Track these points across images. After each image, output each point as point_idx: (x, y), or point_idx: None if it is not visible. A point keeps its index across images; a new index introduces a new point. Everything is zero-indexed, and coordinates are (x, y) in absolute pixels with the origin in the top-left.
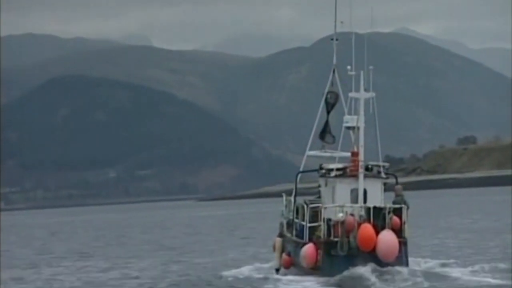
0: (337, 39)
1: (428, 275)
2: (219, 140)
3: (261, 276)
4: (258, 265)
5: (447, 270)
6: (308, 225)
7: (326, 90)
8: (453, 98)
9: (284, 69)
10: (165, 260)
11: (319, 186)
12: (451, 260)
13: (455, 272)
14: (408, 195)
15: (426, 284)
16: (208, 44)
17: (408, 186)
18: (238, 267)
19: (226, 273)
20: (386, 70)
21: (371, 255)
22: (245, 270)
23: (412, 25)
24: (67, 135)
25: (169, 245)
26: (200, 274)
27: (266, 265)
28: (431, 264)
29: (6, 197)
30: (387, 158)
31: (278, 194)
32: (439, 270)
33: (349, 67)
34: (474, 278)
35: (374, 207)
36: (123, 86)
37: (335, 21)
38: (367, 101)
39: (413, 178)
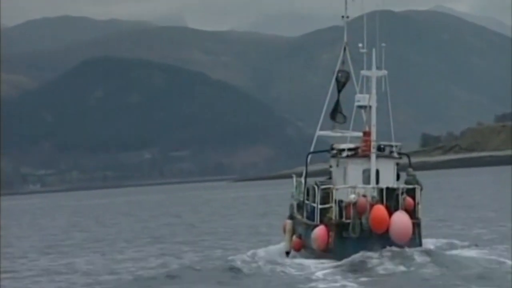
0: (347, 17)
1: (440, 256)
2: (253, 120)
3: (269, 259)
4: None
5: (459, 251)
6: (319, 206)
7: (337, 69)
8: (490, 75)
9: (319, 48)
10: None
11: (330, 166)
12: (465, 242)
13: (466, 252)
14: (446, 173)
15: (437, 265)
16: (242, 24)
17: (446, 164)
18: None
19: (233, 257)
20: (423, 48)
21: (384, 237)
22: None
23: (449, 3)
24: (102, 117)
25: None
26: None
27: (274, 247)
28: (444, 245)
29: (42, 179)
30: (424, 136)
31: (313, 174)
32: (451, 251)
33: (360, 44)
34: (487, 257)
35: (387, 188)
36: (158, 68)
37: None
38: (379, 79)
39: (451, 156)
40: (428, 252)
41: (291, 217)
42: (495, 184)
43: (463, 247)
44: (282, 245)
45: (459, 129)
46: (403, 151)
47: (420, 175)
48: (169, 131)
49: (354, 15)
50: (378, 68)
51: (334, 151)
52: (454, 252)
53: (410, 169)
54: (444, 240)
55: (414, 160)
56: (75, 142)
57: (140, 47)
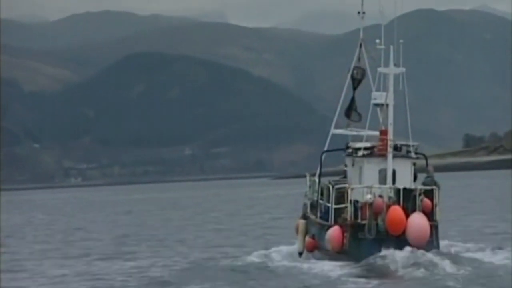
0: (363, 12)
1: (458, 259)
2: (294, 117)
3: (280, 260)
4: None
5: (477, 254)
6: (334, 206)
7: (352, 66)
8: None
9: (365, 46)
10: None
11: (345, 166)
12: (482, 244)
13: (483, 256)
14: (490, 174)
15: (454, 268)
16: (284, 21)
17: (490, 165)
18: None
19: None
20: (465, 47)
21: (401, 239)
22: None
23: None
24: (143, 112)
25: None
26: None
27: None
28: (462, 248)
29: (83, 173)
30: (467, 137)
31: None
32: (469, 254)
33: (378, 40)
34: (503, 262)
35: (404, 189)
36: (199, 63)
37: None
38: (396, 77)
39: (495, 157)
40: (446, 255)
41: (304, 217)
42: None
43: (478, 249)
44: (295, 246)
45: (502, 130)
46: (419, 150)
47: (463, 176)
48: (210, 127)
49: (392, 15)
50: (396, 65)
51: (350, 150)
52: (472, 255)
53: (430, 169)
54: (462, 244)
55: (458, 160)
56: (116, 137)
57: (182, 42)
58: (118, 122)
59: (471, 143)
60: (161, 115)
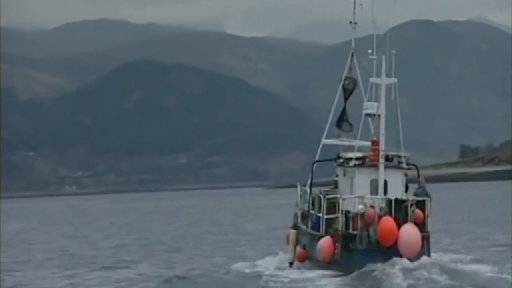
0: (355, 23)
1: (448, 271)
2: (290, 127)
3: (272, 270)
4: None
5: (472, 266)
6: (325, 217)
7: (344, 76)
8: None
9: (357, 56)
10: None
11: (336, 176)
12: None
13: (474, 268)
14: (485, 185)
15: (445, 280)
16: (281, 31)
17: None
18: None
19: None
20: (461, 58)
21: (392, 250)
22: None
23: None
24: (139, 120)
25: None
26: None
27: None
28: (453, 259)
29: (78, 181)
30: (463, 148)
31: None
32: (462, 266)
33: (370, 50)
34: (493, 275)
35: (396, 199)
36: (195, 72)
37: (354, 4)
38: (388, 87)
39: (491, 168)
40: (436, 266)
41: (295, 226)
42: None
43: (472, 261)
44: (285, 256)
45: (498, 141)
46: (411, 161)
47: (459, 186)
48: (206, 136)
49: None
50: (388, 75)
51: (341, 160)
52: (463, 267)
53: (421, 180)
54: (454, 255)
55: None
56: (112, 145)
57: (178, 51)
58: (113, 131)
59: (467, 154)
60: (157, 124)
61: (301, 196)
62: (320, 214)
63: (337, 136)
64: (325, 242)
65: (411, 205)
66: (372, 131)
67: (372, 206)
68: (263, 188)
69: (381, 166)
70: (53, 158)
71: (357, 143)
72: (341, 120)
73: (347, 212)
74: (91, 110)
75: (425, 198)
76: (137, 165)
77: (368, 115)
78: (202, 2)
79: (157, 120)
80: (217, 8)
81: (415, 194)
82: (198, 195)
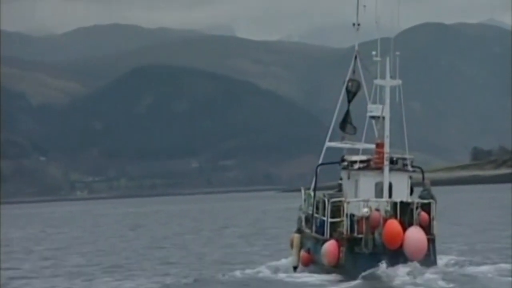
0: (359, 24)
1: (455, 275)
2: (302, 130)
3: (275, 274)
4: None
5: (474, 268)
6: (330, 220)
7: (347, 78)
8: None
9: (368, 59)
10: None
11: (341, 179)
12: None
13: (481, 271)
14: (498, 188)
15: (451, 284)
16: (293, 34)
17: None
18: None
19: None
20: (473, 60)
21: (398, 253)
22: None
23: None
24: (150, 125)
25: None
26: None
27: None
28: (458, 262)
29: (90, 186)
30: (475, 150)
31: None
32: (470, 269)
33: (374, 52)
34: (500, 278)
35: (401, 202)
36: (207, 76)
37: (358, 6)
38: (393, 89)
39: (503, 171)
40: (442, 270)
41: (299, 230)
42: None
43: (479, 264)
44: (289, 260)
45: (511, 143)
46: (420, 164)
47: (471, 189)
48: (217, 140)
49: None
50: (392, 77)
51: (345, 163)
52: (470, 269)
53: (427, 182)
54: (459, 258)
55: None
56: (124, 150)
57: (189, 55)
58: (125, 135)
59: (479, 156)
60: (168, 128)
61: (305, 200)
62: (325, 218)
63: (341, 139)
64: (330, 246)
65: (417, 208)
66: (376, 133)
67: (377, 209)
68: (276, 192)
69: (386, 169)
70: (65, 162)
71: (361, 145)
72: (345, 123)
73: (352, 215)
74: (102, 115)
75: (431, 200)
76: (148, 169)
77: (372, 117)
78: (213, 6)
79: (169, 124)
80: (228, 12)
81: (420, 197)
82: (210, 199)
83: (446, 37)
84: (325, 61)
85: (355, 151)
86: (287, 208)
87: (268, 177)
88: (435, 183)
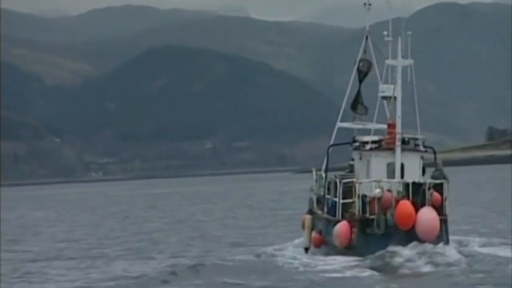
0: (370, 4)
1: (469, 254)
2: (316, 111)
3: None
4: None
5: (487, 249)
6: (341, 201)
7: (358, 58)
8: None
9: (381, 39)
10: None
11: (352, 159)
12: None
13: (496, 251)
14: None
15: (465, 264)
16: (305, 15)
17: None
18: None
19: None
20: (488, 40)
21: (410, 234)
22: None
23: None
24: (164, 106)
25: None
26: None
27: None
28: (473, 242)
29: (104, 168)
30: (490, 130)
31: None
32: (480, 249)
33: (385, 32)
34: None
35: (413, 183)
36: (220, 57)
37: None
38: (405, 70)
39: None
40: (456, 250)
41: (311, 212)
42: None
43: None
44: (301, 241)
45: None
46: (430, 144)
47: (487, 169)
48: (231, 121)
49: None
50: (404, 57)
51: (357, 144)
52: (486, 250)
53: (439, 162)
54: (471, 238)
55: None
56: (138, 131)
57: (203, 36)
58: (139, 116)
59: (495, 136)
60: (182, 109)
61: (316, 181)
62: (336, 199)
63: (352, 119)
64: (341, 227)
65: (429, 188)
66: (388, 114)
67: (389, 190)
68: (291, 173)
69: (398, 149)
70: (79, 144)
71: (373, 126)
72: (356, 103)
73: (364, 196)
74: (116, 96)
75: (443, 180)
76: (162, 151)
77: (384, 97)
78: None
79: (183, 105)
80: None
81: (433, 177)
82: (224, 180)
83: (460, 17)
84: (339, 41)
85: (367, 132)
86: (301, 189)
87: (282, 158)
88: (451, 163)
